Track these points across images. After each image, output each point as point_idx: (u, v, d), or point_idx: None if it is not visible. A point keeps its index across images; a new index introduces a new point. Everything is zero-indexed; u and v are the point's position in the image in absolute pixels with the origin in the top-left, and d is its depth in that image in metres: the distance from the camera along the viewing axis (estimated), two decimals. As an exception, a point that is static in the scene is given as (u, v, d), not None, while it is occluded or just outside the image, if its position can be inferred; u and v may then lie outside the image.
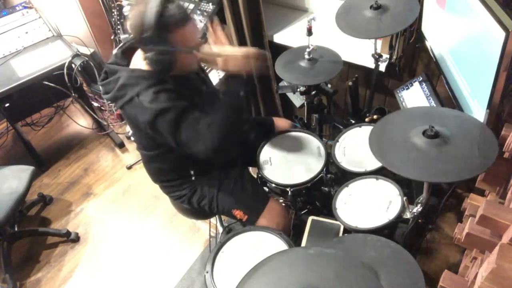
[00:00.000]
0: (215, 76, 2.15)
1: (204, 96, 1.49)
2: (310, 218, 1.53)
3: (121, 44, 1.44)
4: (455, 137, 1.11)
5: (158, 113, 1.25)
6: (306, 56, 1.70)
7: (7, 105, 2.42)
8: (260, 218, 1.55)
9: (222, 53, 1.32)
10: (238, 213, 1.58)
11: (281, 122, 1.89)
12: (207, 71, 1.63)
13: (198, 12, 2.14)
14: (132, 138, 1.58)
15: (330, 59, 1.73)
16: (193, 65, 1.40)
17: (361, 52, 1.88)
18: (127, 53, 1.40)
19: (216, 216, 1.91)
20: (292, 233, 1.68)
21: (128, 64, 1.39)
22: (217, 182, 1.61)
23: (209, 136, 1.26)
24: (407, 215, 1.36)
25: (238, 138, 1.45)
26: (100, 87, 1.40)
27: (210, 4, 2.12)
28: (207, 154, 1.28)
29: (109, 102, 1.34)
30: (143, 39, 1.21)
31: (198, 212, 1.72)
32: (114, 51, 1.42)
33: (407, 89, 1.74)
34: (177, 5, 1.23)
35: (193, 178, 1.60)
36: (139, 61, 1.34)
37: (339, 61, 1.71)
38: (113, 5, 2.30)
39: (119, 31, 2.12)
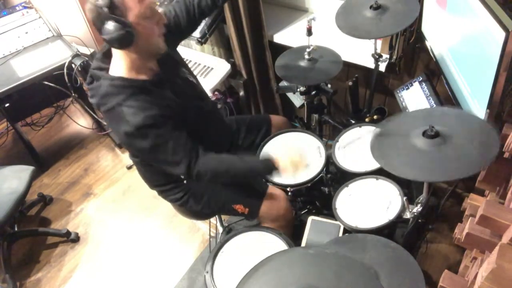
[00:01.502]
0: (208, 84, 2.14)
1: (196, 103, 1.49)
2: (310, 218, 1.53)
3: (102, 46, 1.43)
4: (455, 136, 1.11)
5: (138, 127, 1.25)
6: (306, 56, 1.70)
7: (7, 105, 2.42)
8: (261, 207, 1.56)
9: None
10: (239, 207, 1.58)
11: (278, 119, 1.89)
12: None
13: (198, 12, 2.14)
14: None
15: (330, 59, 1.73)
16: (158, 41, 1.31)
17: (361, 52, 1.88)
18: (109, 56, 1.37)
19: (216, 216, 1.91)
20: (292, 231, 1.68)
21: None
22: (212, 184, 1.60)
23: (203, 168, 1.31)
24: (407, 215, 1.36)
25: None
26: (88, 91, 1.39)
27: (210, 4, 2.11)
28: (184, 174, 1.34)
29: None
30: (101, 11, 1.17)
31: (197, 212, 1.72)
32: (97, 55, 1.40)
33: (407, 89, 1.74)
34: None
35: (184, 181, 1.59)
36: (118, 64, 1.31)
37: (339, 61, 1.71)
38: (113, 5, 2.30)
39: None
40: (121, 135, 1.30)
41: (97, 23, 1.22)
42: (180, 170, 1.31)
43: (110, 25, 1.19)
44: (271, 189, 1.61)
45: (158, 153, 1.30)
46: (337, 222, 1.44)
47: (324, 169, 1.63)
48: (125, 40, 1.22)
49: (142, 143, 1.28)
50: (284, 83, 2.06)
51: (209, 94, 2.11)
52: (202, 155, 1.33)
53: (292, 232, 1.66)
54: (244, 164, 1.42)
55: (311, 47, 1.68)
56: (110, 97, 1.28)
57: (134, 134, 1.26)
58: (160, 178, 1.60)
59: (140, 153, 1.35)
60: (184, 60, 1.70)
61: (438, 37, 1.55)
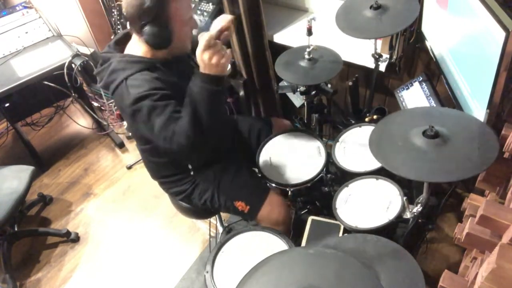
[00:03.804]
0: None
1: None
2: (310, 218, 1.53)
3: (115, 36, 1.45)
4: (455, 137, 1.11)
5: (137, 98, 1.24)
6: (306, 56, 1.70)
7: (7, 105, 2.42)
8: (262, 209, 1.56)
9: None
10: (240, 205, 1.58)
11: (280, 123, 1.89)
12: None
13: (198, 12, 2.14)
14: (130, 134, 1.52)
15: (330, 59, 1.72)
16: (188, 43, 1.38)
17: (361, 52, 1.88)
18: (120, 43, 1.41)
19: (216, 216, 1.91)
20: (292, 233, 1.68)
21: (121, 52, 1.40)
22: (217, 176, 1.61)
23: (183, 132, 1.21)
24: (407, 215, 1.36)
25: (219, 133, 1.38)
26: (97, 78, 1.40)
27: (210, 4, 2.12)
28: (182, 151, 1.24)
29: (104, 90, 1.35)
30: (144, 12, 1.20)
31: (198, 210, 1.71)
32: (109, 42, 1.43)
33: (407, 89, 1.74)
34: None
35: (191, 173, 1.60)
36: (132, 47, 1.35)
37: (339, 61, 1.71)
38: (113, 5, 2.30)
39: (119, 31, 2.12)
40: (126, 110, 1.29)
41: (136, 20, 1.24)
42: (180, 137, 1.22)
43: (153, 28, 1.22)
44: (273, 193, 1.60)
45: (158, 116, 1.23)
46: (337, 222, 1.44)
47: (324, 169, 1.63)
48: (163, 43, 1.27)
49: (143, 103, 1.24)
50: (284, 83, 2.06)
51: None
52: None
53: (290, 236, 1.66)
54: (196, 98, 1.23)
55: (311, 47, 1.68)
56: (118, 72, 1.29)
57: (136, 100, 1.24)
58: (167, 169, 1.60)
59: (142, 125, 1.28)
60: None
61: (438, 37, 1.55)
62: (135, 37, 1.34)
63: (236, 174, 1.62)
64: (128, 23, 1.33)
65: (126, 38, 1.41)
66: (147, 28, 1.24)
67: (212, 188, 1.60)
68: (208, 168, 1.62)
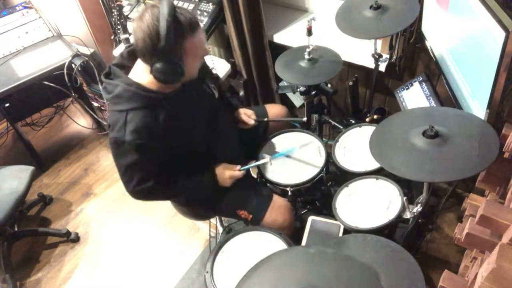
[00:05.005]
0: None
1: (211, 104, 1.52)
2: (310, 218, 1.53)
3: (128, 45, 1.42)
4: (455, 137, 1.11)
5: (129, 141, 1.26)
6: (306, 56, 1.70)
7: (7, 105, 2.42)
8: (265, 216, 1.54)
9: None
10: (242, 213, 1.57)
11: (275, 109, 1.87)
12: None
13: (198, 12, 2.14)
14: None
15: (330, 59, 1.72)
16: (197, 71, 1.35)
17: (361, 52, 1.88)
18: (134, 56, 1.35)
19: (216, 216, 1.91)
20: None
21: (132, 66, 1.36)
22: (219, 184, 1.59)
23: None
24: (407, 215, 1.36)
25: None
26: (103, 82, 1.37)
27: (210, 4, 2.12)
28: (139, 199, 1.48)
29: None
30: (157, 50, 1.15)
31: (199, 213, 1.71)
32: (121, 50, 1.39)
33: (407, 89, 1.74)
34: (186, 9, 1.20)
35: None
36: (139, 73, 1.30)
37: (339, 61, 1.71)
38: (113, 5, 2.30)
39: (119, 31, 2.12)
40: (112, 134, 1.29)
41: (146, 55, 1.20)
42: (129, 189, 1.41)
43: (164, 66, 1.18)
44: (276, 200, 1.58)
45: (127, 168, 1.36)
46: (337, 222, 1.44)
47: (324, 169, 1.63)
48: (174, 80, 1.24)
49: (125, 154, 1.30)
50: (284, 83, 2.06)
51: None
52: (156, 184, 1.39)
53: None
54: (191, 184, 1.49)
55: (311, 47, 1.68)
56: (122, 100, 1.27)
57: (124, 146, 1.27)
58: None
59: (115, 158, 1.36)
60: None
61: (438, 37, 1.55)
62: (142, 64, 1.27)
63: (239, 182, 1.59)
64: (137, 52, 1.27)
65: None
66: (158, 65, 1.18)
67: (214, 197, 1.59)
68: None
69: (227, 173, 1.51)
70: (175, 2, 2.28)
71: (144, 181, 1.37)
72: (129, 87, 1.26)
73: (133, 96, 1.26)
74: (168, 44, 1.14)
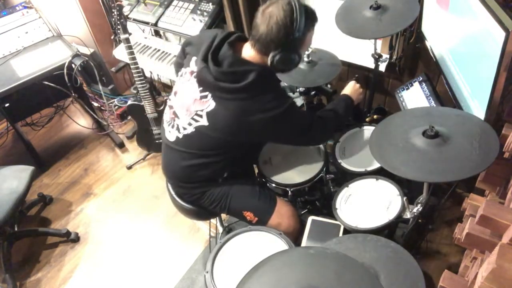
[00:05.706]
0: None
1: None
2: (310, 218, 1.53)
3: (227, 33, 1.36)
4: (455, 136, 1.11)
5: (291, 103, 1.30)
6: (305, 59, 1.70)
7: (7, 105, 2.42)
8: (270, 220, 1.54)
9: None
10: (248, 215, 1.56)
11: None
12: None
13: (198, 12, 2.14)
14: (181, 134, 1.36)
15: (329, 62, 1.73)
16: None
17: (361, 52, 1.88)
18: (234, 45, 1.33)
19: (216, 216, 1.90)
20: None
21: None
22: (229, 184, 1.58)
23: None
24: (407, 215, 1.36)
25: None
26: (212, 67, 1.28)
27: (210, 4, 2.12)
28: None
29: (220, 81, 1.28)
30: (288, 41, 1.18)
31: (201, 212, 1.71)
32: (227, 42, 1.31)
33: (407, 89, 1.74)
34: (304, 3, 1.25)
35: (220, 180, 1.57)
36: (249, 53, 1.30)
37: (337, 64, 1.72)
38: (113, 5, 2.30)
39: (119, 31, 2.12)
40: (278, 112, 1.28)
41: (271, 45, 1.21)
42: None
43: (286, 55, 1.22)
44: (281, 205, 1.57)
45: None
46: (337, 222, 1.44)
47: (324, 169, 1.63)
48: (291, 69, 1.30)
49: (291, 115, 1.31)
50: (283, 83, 2.06)
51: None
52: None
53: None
54: (339, 109, 1.54)
55: (310, 50, 1.68)
56: (259, 84, 1.26)
57: (286, 110, 1.29)
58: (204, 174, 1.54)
59: (288, 125, 1.34)
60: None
61: (438, 37, 1.55)
62: (248, 45, 1.29)
63: (247, 184, 1.59)
64: (252, 39, 1.26)
65: (240, 40, 1.35)
66: (282, 55, 1.21)
67: (224, 197, 1.58)
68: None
69: (353, 87, 1.64)
70: (175, 2, 2.28)
71: (317, 125, 1.42)
72: (263, 71, 1.28)
73: (267, 78, 1.30)
74: (299, 36, 1.19)
